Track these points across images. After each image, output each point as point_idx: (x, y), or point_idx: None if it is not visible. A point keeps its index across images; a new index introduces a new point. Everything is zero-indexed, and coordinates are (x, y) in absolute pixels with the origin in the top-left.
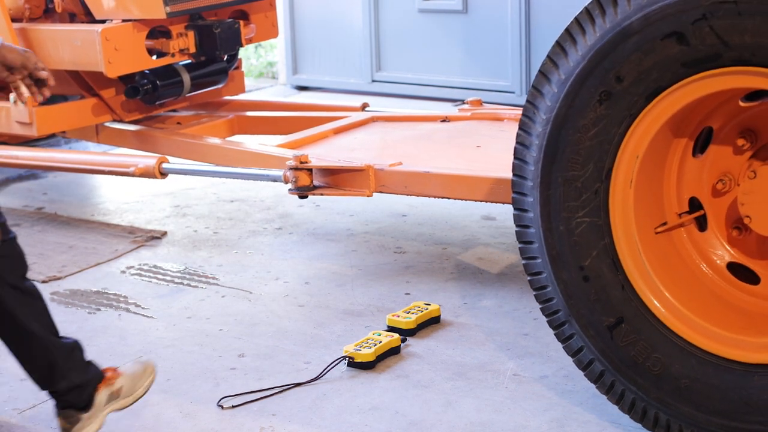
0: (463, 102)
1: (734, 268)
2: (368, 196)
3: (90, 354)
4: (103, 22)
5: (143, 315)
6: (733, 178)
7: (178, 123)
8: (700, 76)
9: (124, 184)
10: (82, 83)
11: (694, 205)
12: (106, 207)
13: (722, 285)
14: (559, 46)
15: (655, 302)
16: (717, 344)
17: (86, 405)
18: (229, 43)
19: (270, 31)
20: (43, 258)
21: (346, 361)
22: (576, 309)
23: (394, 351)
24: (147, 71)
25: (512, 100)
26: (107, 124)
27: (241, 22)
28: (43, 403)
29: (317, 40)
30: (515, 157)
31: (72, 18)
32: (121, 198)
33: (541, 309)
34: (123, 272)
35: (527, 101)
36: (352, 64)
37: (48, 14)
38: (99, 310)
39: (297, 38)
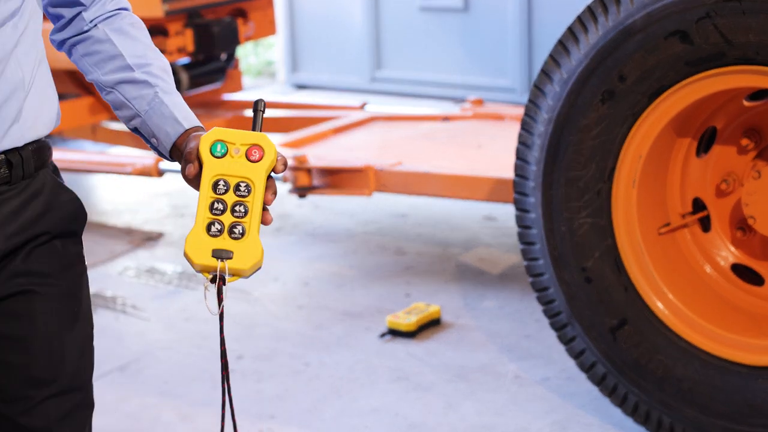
0: (464, 100)
1: (738, 269)
2: (368, 195)
3: None
4: None
5: (140, 317)
6: (737, 178)
7: None
8: (703, 75)
9: (121, 184)
10: (79, 82)
11: (698, 205)
12: (103, 207)
13: (726, 286)
14: (562, 45)
15: (659, 304)
16: (721, 346)
17: None
18: (227, 41)
19: (268, 28)
20: None
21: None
22: (578, 311)
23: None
24: None
25: (514, 99)
26: (104, 123)
27: (240, 20)
28: None
29: (317, 38)
30: (517, 157)
31: None
32: (118, 198)
33: (543, 311)
34: (120, 273)
35: (529, 100)
36: (351, 63)
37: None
38: (96, 311)
39: (296, 36)
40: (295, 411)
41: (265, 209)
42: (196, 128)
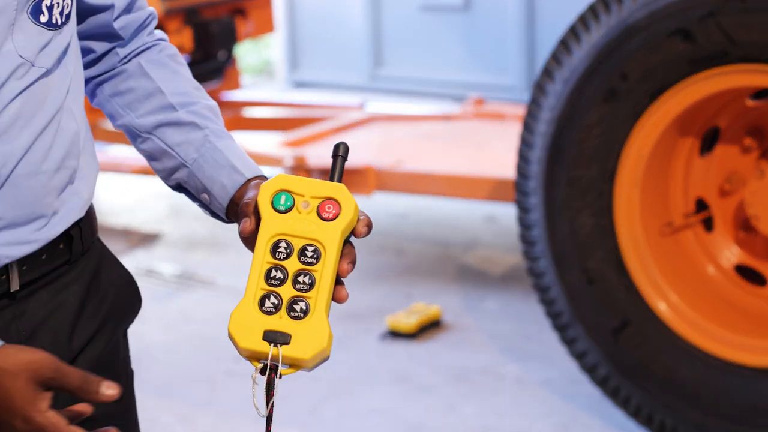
0: (465, 99)
1: (742, 270)
2: (368, 195)
3: None
4: None
5: (139, 318)
6: (740, 177)
7: None
8: (706, 74)
9: (119, 184)
10: None
11: (701, 205)
12: (102, 207)
13: (729, 287)
14: (564, 44)
15: (661, 305)
16: (724, 348)
17: None
18: (226, 39)
19: (267, 26)
20: None
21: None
22: (580, 311)
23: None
24: None
25: (515, 98)
26: (101, 122)
27: (239, 18)
28: None
29: (317, 36)
30: (518, 157)
31: None
32: (116, 198)
33: (544, 312)
34: None
35: (531, 99)
36: (352, 61)
37: None
38: None
39: (296, 34)
40: (295, 412)
41: (339, 283)
42: (259, 177)
